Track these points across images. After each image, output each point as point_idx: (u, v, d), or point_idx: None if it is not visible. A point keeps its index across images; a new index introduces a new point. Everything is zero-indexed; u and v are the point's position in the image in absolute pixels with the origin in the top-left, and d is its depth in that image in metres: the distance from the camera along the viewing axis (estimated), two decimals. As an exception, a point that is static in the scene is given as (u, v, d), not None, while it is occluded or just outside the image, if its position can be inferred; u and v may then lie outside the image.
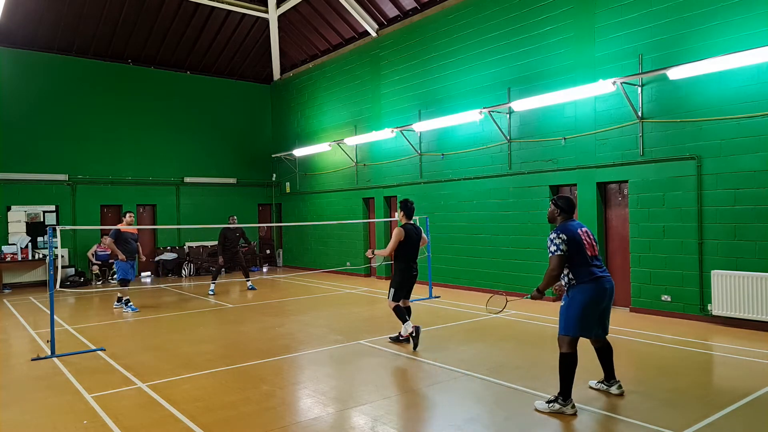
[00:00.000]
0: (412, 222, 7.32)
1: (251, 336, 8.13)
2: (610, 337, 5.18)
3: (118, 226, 10.47)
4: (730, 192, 7.91)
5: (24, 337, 8.36)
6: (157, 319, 9.65)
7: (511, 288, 10.87)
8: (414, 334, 6.94)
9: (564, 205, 4.97)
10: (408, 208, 7.28)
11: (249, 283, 13.11)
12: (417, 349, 6.96)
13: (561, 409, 4.66)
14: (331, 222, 15.23)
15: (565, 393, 4.69)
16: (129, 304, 10.50)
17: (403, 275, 7.18)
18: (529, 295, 5.10)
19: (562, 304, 4.89)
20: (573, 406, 4.67)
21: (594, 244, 4.93)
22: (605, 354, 5.13)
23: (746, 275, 7.62)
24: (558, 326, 4.86)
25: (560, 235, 4.75)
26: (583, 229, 4.91)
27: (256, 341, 7.77)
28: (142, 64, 16.87)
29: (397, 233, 7.10)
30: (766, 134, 7.55)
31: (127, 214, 10.53)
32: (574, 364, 4.71)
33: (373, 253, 7.46)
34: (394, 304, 7.17)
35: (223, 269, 13.30)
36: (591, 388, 5.26)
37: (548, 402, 4.75)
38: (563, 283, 4.90)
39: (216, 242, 14.38)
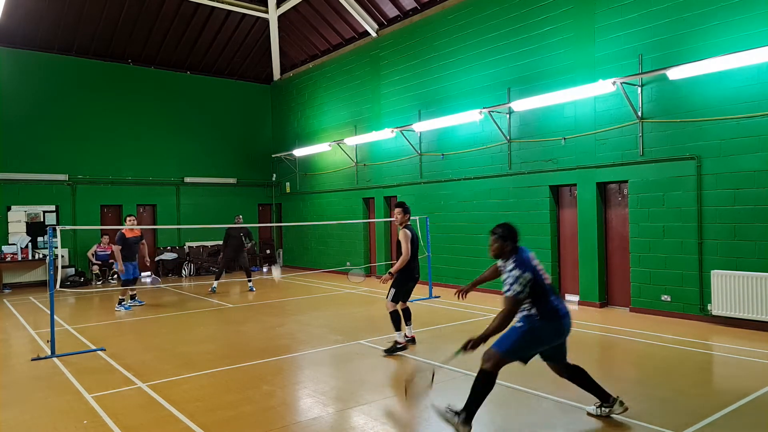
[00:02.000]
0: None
1: (251, 336, 8.13)
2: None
3: (122, 230, 10.28)
4: (730, 192, 7.91)
5: (24, 337, 8.36)
6: (157, 319, 9.65)
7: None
8: (405, 346, 6.89)
9: (509, 234, 4.31)
10: (409, 209, 7.20)
11: (250, 284, 13.10)
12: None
13: (456, 427, 4.14)
14: (331, 222, 15.24)
15: (470, 413, 4.14)
16: (133, 300, 10.40)
17: (406, 276, 6.98)
18: (460, 350, 4.16)
19: (517, 324, 4.26)
20: (470, 431, 4.14)
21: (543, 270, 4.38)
22: (580, 377, 4.52)
23: (746, 275, 7.62)
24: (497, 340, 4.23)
25: (524, 274, 4.11)
26: (532, 254, 4.39)
27: (256, 341, 7.77)
28: (142, 64, 16.87)
29: (405, 236, 6.92)
30: (766, 134, 7.55)
31: (128, 218, 10.42)
32: (492, 386, 4.17)
33: (391, 275, 6.90)
34: (392, 307, 6.93)
35: (224, 269, 13.37)
36: (589, 414, 4.61)
37: (450, 412, 4.21)
38: (522, 315, 4.25)
39: (218, 242, 14.41)
